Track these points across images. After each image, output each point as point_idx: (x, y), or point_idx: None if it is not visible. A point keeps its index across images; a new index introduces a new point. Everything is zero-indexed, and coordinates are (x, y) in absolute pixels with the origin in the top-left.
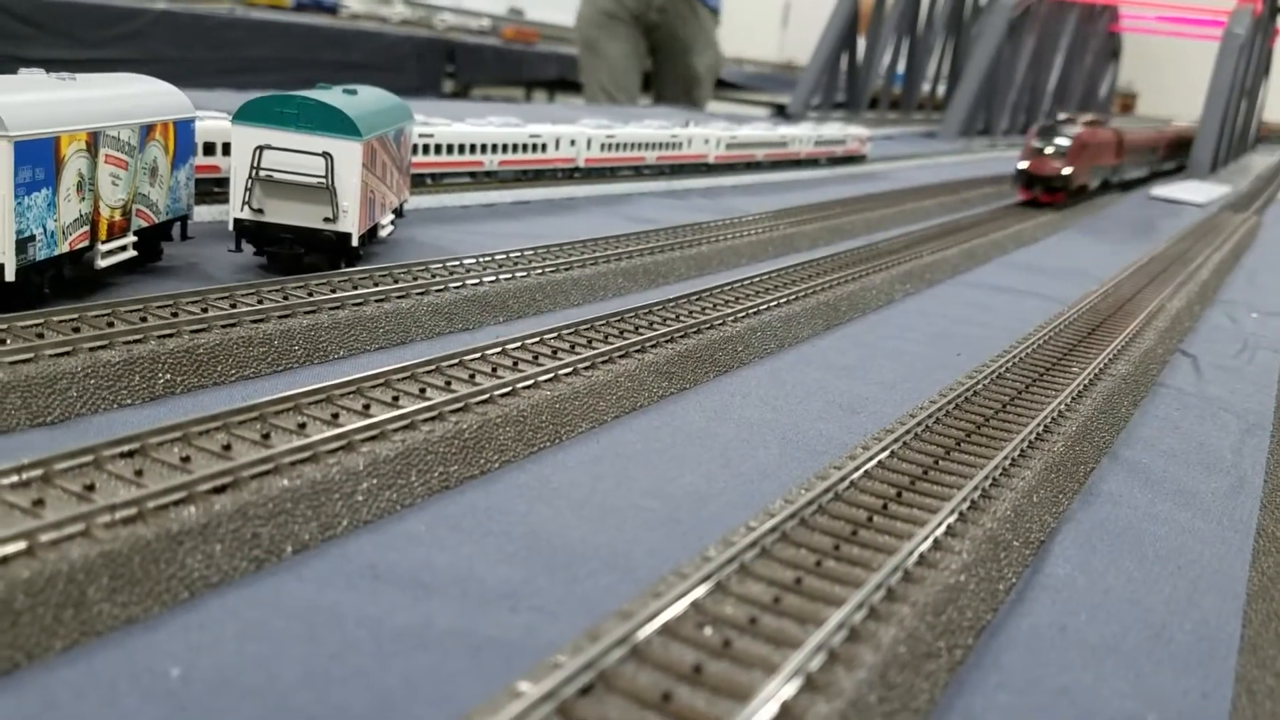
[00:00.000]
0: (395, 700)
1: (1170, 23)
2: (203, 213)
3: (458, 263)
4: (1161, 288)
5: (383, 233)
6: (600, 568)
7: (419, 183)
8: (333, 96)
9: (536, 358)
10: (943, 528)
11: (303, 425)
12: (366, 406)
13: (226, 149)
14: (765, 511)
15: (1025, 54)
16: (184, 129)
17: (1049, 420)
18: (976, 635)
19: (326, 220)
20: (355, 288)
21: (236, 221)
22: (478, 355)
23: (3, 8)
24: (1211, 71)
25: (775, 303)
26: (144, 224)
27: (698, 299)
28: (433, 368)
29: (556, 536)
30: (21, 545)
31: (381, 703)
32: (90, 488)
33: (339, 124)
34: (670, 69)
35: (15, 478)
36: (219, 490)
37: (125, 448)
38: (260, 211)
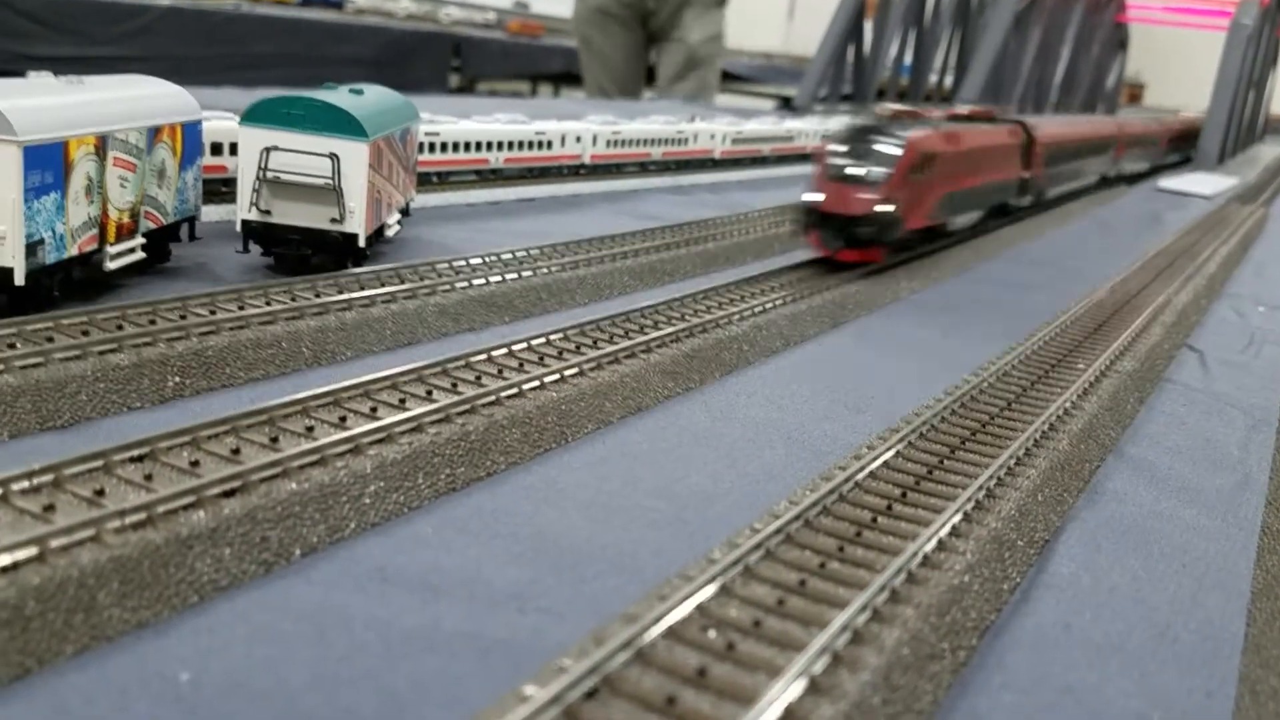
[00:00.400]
0: (404, 703)
1: (1177, 13)
2: (210, 212)
3: (464, 262)
4: (1167, 282)
5: (389, 232)
6: (606, 569)
7: (425, 181)
8: (339, 97)
9: (542, 359)
10: (947, 528)
11: (310, 428)
12: (374, 409)
13: (234, 149)
14: (770, 513)
15: (1032, 45)
16: (191, 130)
17: (1054, 418)
18: (981, 635)
19: (333, 221)
20: (362, 289)
21: (244, 223)
22: (484, 357)
23: (8, 5)
24: (1219, 62)
25: (780, 301)
26: (152, 226)
27: (704, 297)
28: (439, 370)
29: (563, 538)
30: (33, 551)
31: (390, 705)
32: (100, 493)
33: (345, 125)
34: (671, 54)
35: (26, 483)
36: (228, 494)
37: (135, 452)
38: (268, 213)
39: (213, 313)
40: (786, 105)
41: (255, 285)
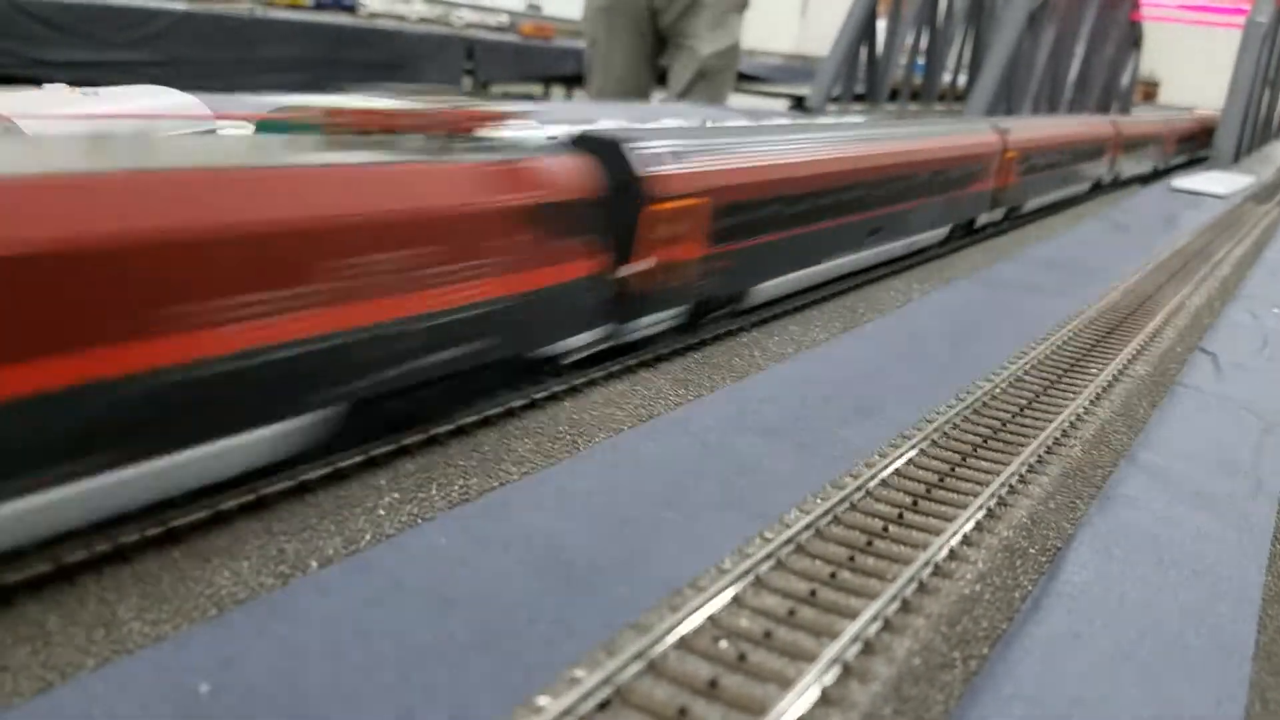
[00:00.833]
0: (418, 714)
1: (1192, 10)
2: None
3: None
4: (1181, 284)
5: None
6: (618, 579)
7: None
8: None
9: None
10: (958, 537)
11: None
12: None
13: None
14: (781, 522)
15: (1046, 43)
16: None
17: (1067, 424)
18: (991, 645)
19: None
20: None
21: None
22: None
23: (24, 10)
24: (1234, 60)
25: (791, 306)
26: None
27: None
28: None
29: (575, 548)
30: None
31: (406, 717)
32: None
33: None
34: (680, 63)
35: None
36: (245, 508)
37: None
38: None
39: None
40: (799, 105)
41: None
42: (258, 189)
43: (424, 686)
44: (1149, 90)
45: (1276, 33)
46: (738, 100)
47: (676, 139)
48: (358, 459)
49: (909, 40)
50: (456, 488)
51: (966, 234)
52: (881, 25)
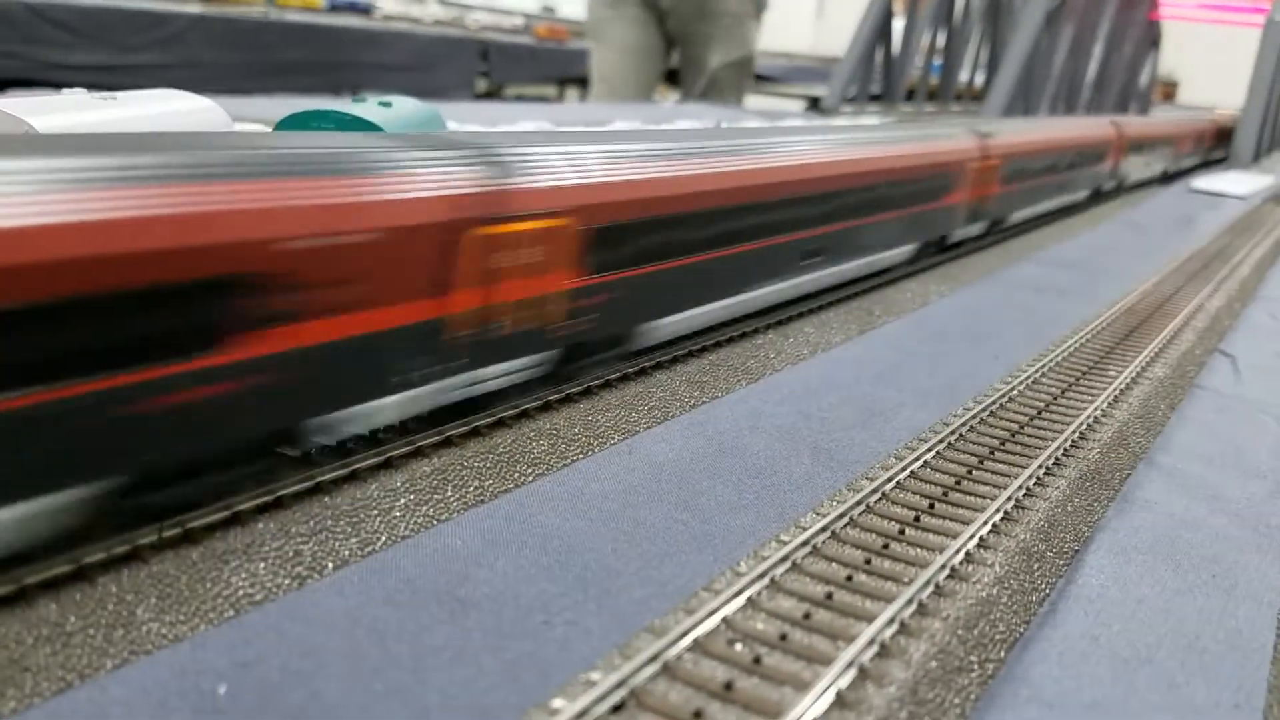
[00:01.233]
0: (434, 715)
1: (1211, 10)
2: None
3: None
4: (1200, 285)
5: None
6: (633, 581)
7: None
8: (368, 110)
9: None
10: (975, 540)
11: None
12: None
13: None
14: (796, 525)
15: (1064, 43)
16: None
17: (1084, 427)
18: (1009, 648)
19: None
20: None
21: None
22: None
23: (40, 14)
24: (1254, 59)
25: (807, 308)
26: None
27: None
28: None
29: (590, 550)
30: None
31: (421, 718)
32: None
33: None
34: (691, 72)
35: None
36: (262, 510)
37: None
38: None
39: None
40: (815, 106)
41: None
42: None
43: (439, 688)
44: (1168, 90)
45: None
46: (753, 101)
47: (529, 146)
48: (373, 460)
49: (925, 40)
50: (472, 489)
51: (940, 251)
52: (898, 25)
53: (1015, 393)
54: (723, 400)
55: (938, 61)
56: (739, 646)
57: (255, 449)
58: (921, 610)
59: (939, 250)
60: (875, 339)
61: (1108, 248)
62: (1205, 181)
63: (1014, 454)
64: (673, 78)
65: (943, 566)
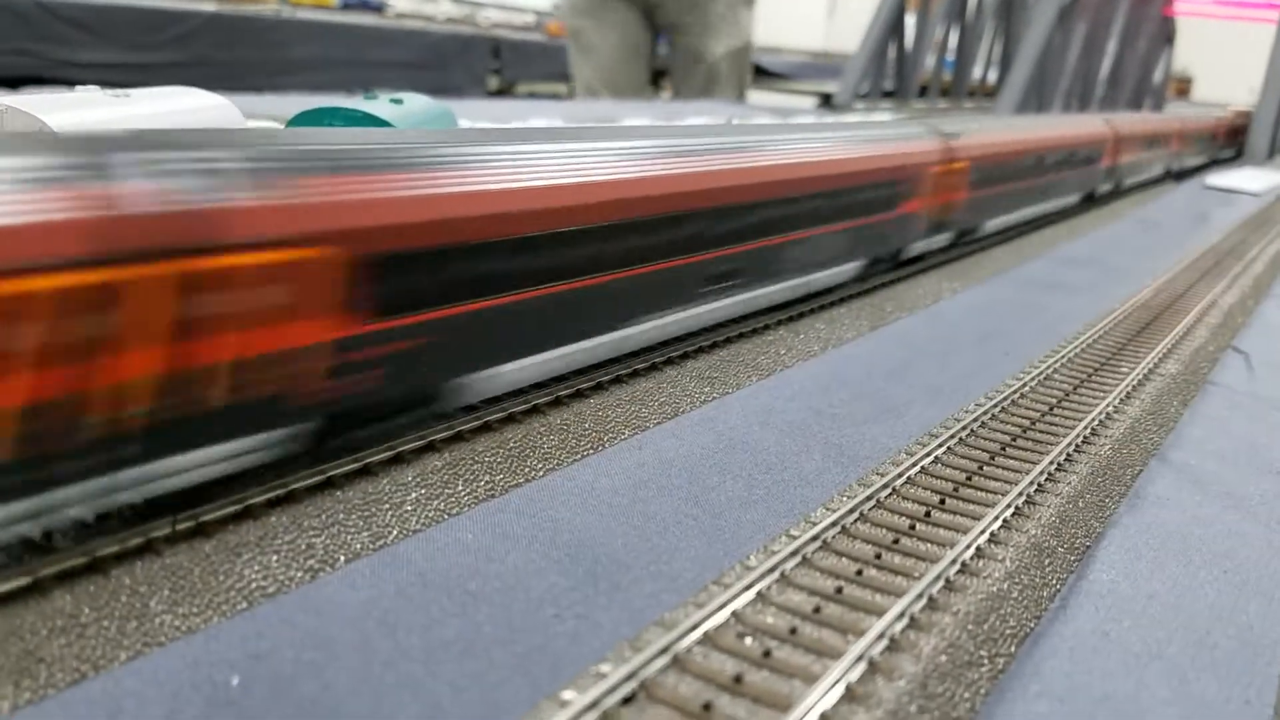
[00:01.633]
0: (445, 707)
1: (1226, 5)
2: None
3: None
4: (1213, 282)
5: None
6: (643, 576)
7: None
8: (380, 107)
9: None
10: (986, 535)
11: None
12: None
13: None
14: (806, 519)
15: (1077, 39)
16: None
17: (1096, 423)
18: (1019, 643)
19: None
20: None
21: None
22: None
23: (53, 13)
24: (1269, 55)
25: (818, 304)
26: None
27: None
28: None
29: (600, 544)
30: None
31: (432, 710)
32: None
33: None
34: (681, 60)
35: None
36: (274, 503)
37: None
38: None
39: None
40: (827, 102)
41: None
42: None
43: (450, 680)
44: (1182, 87)
45: None
46: (764, 98)
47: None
48: (385, 455)
49: (938, 36)
50: (483, 484)
51: (897, 267)
52: (911, 21)
53: (1027, 389)
54: (733, 396)
55: (951, 58)
56: (749, 640)
57: None
58: (932, 605)
59: (895, 266)
60: (887, 335)
61: (1120, 245)
62: (1219, 178)
63: (1025, 450)
64: (655, 78)
65: (953, 561)
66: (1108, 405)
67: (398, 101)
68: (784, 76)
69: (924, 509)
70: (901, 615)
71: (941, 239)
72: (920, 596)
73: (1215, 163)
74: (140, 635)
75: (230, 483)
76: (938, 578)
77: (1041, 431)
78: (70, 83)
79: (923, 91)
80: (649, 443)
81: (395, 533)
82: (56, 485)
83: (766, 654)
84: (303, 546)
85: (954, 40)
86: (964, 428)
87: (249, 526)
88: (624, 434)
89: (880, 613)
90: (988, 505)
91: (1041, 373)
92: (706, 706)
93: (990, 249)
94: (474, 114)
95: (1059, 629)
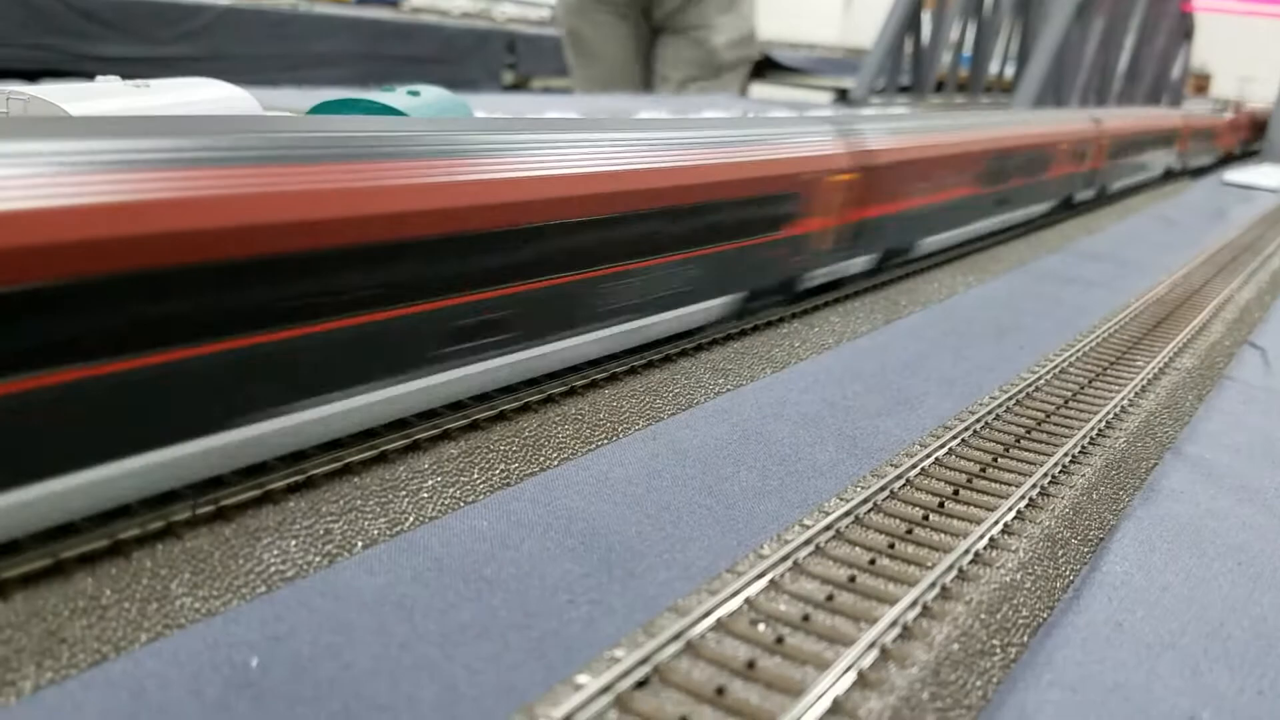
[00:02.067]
0: (461, 690)
1: (1246, 1)
2: None
3: None
4: (1230, 277)
5: None
6: (657, 564)
7: None
8: (396, 99)
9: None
10: (999, 526)
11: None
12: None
13: None
14: (820, 510)
15: (1095, 34)
16: None
17: (1111, 416)
18: (1032, 633)
19: None
20: None
21: None
22: None
23: (67, 4)
24: None
25: (833, 297)
26: None
27: None
28: None
29: (614, 533)
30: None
31: (448, 692)
32: None
33: None
34: (684, 52)
35: None
36: (293, 489)
37: None
38: None
39: None
40: (843, 97)
41: None
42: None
43: (466, 663)
44: (1200, 83)
45: None
46: (779, 93)
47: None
48: (401, 443)
49: (955, 31)
50: (498, 472)
51: (793, 300)
52: (928, 16)
53: (1042, 382)
54: (747, 388)
55: (968, 53)
56: (761, 627)
57: None
58: (944, 594)
59: (790, 300)
60: (901, 328)
61: (1137, 239)
62: (1237, 174)
63: (1040, 442)
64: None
65: (966, 551)
66: (1123, 399)
67: (414, 93)
68: (799, 71)
69: (938, 500)
70: (914, 603)
71: (858, 263)
72: (933, 585)
73: (1224, 162)
74: (161, 617)
75: (250, 468)
76: (950, 567)
77: (1056, 424)
78: (87, 76)
79: (939, 87)
80: (663, 433)
81: (412, 519)
82: None
83: (779, 640)
84: (321, 532)
85: (971, 35)
86: (978, 420)
87: (268, 511)
88: (638, 424)
89: (893, 601)
90: (1001, 496)
91: (1056, 366)
92: (719, 691)
93: (1006, 244)
94: (490, 108)
95: (1072, 619)
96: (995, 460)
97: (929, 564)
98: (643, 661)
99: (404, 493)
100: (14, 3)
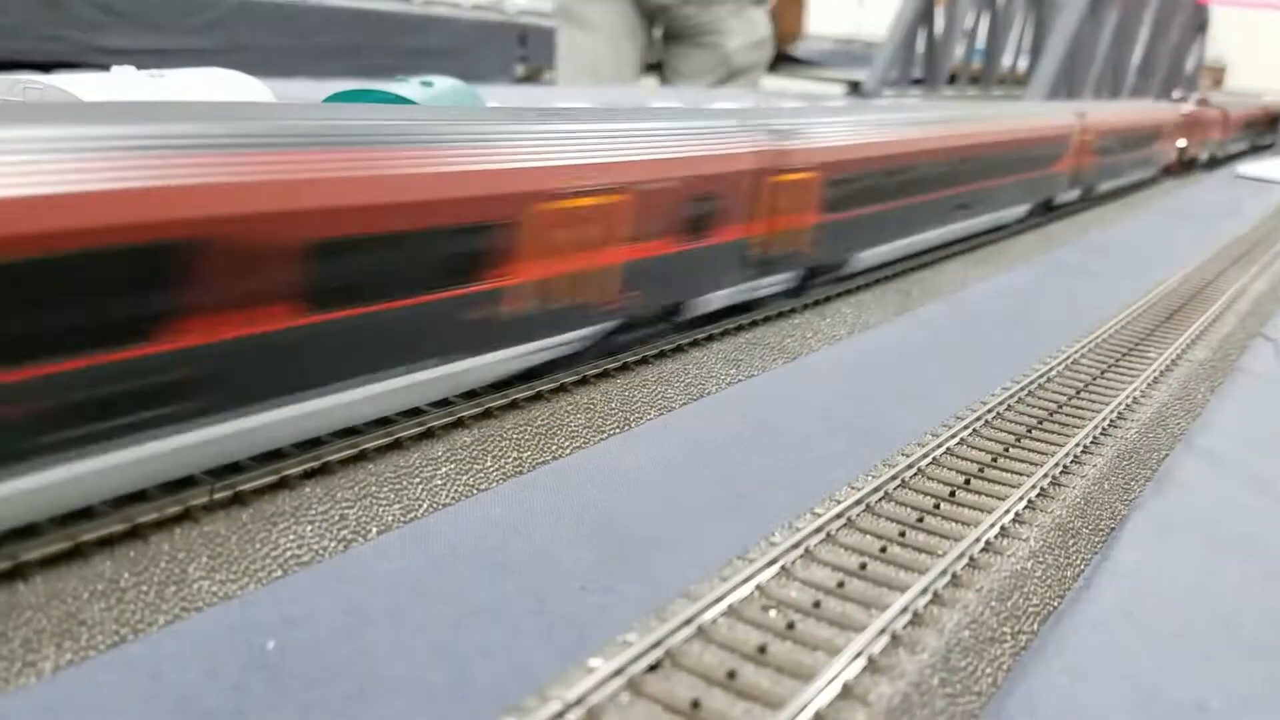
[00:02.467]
0: (474, 672)
1: None
2: None
3: None
4: (1243, 270)
5: None
6: (669, 551)
7: None
8: (410, 89)
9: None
10: (1010, 515)
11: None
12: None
13: None
14: (831, 498)
15: (1108, 27)
16: None
17: (1122, 407)
18: (1042, 621)
19: None
20: None
21: None
22: None
23: None
24: None
25: (845, 289)
26: None
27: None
28: None
29: (627, 521)
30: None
31: (461, 675)
32: None
33: None
34: (699, 59)
35: None
36: (309, 475)
37: None
38: None
39: None
40: (855, 90)
41: None
42: None
43: (479, 645)
44: (1216, 75)
45: None
46: (791, 86)
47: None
48: (415, 430)
49: (968, 24)
50: (510, 460)
51: (691, 325)
52: (941, 10)
53: (1054, 373)
54: (759, 378)
55: (982, 46)
56: (772, 613)
57: None
58: (955, 581)
59: (687, 325)
60: (912, 320)
61: (1150, 233)
62: (1251, 167)
63: (1051, 432)
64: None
65: (977, 540)
66: (1134, 390)
67: (428, 84)
68: (812, 64)
69: (949, 489)
70: (925, 590)
71: (777, 280)
72: (944, 573)
73: (1222, 161)
74: (179, 600)
75: (266, 454)
76: (961, 555)
77: (1068, 415)
78: (101, 67)
79: (952, 79)
80: (675, 423)
81: (425, 506)
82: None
83: (790, 626)
84: (336, 517)
85: (984, 28)
86: (989, 410)
87: (284, 496)
88: (650, 414)
89: (904, 588)
90: (1013, 486)
91: (1068, 358)
92: (731, 674)
93: (1018, 236)
94: (502, 100)
95: (1082, 607)
96: (1007, 450)
97: (940, 552)
98: (655, 645)
99: (418, 479)
100: None
